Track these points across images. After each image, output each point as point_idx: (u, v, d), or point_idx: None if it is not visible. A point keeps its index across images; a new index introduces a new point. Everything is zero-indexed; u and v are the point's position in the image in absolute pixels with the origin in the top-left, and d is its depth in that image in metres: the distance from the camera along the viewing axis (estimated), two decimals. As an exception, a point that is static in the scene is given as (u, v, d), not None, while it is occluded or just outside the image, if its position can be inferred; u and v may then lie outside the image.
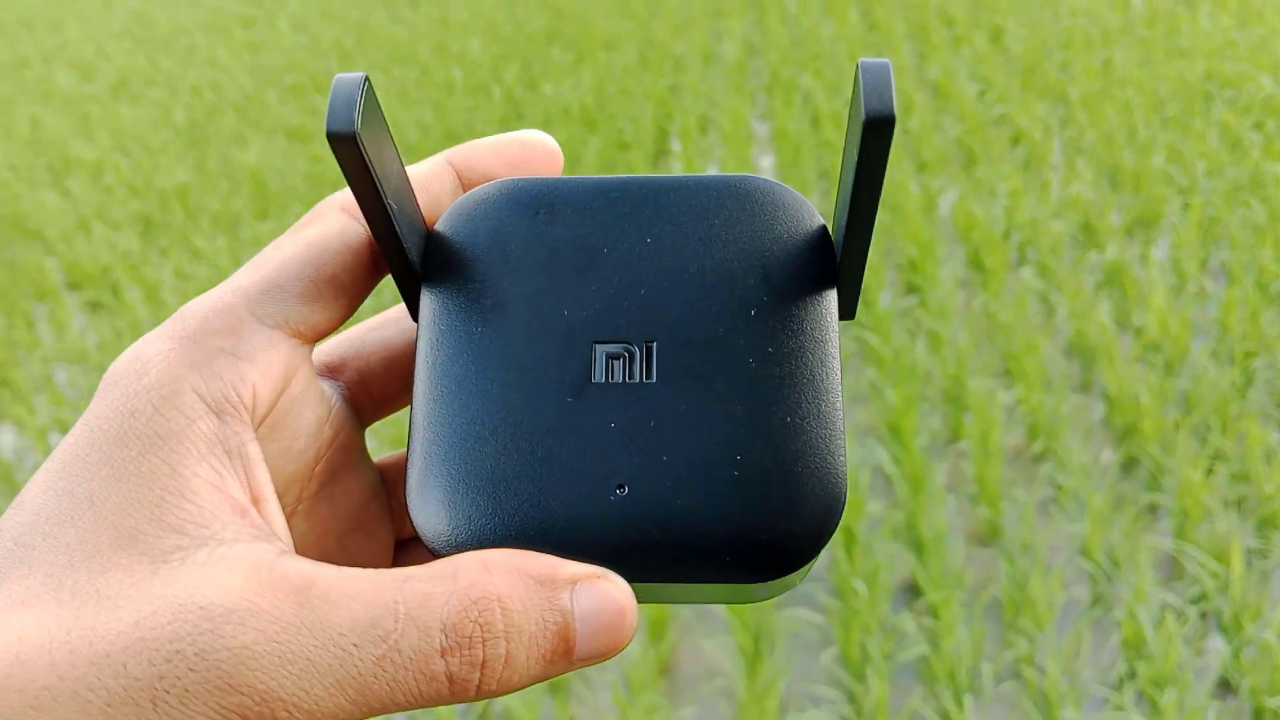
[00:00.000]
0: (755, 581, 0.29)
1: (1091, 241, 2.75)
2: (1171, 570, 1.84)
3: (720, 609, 1.80)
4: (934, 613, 1.75)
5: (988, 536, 1.94)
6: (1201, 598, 1.75)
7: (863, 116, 0.27)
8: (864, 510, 1.92)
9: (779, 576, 0.29)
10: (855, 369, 2.39)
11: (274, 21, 6.02)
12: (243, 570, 0.26)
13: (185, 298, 2.96)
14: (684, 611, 1.86)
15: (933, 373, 2.31)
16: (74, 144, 4.47)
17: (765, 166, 3.53)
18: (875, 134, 0.27)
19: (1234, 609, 1.69)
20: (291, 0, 6.46)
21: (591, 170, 3.38)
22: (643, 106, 3.96)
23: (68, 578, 0.26)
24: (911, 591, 1.85)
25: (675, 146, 3.76)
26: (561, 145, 3.03)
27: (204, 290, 0.33)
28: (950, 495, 2.02)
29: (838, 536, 1.88)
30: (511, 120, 4.03)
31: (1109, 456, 2.08)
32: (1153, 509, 1.97)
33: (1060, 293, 2.52)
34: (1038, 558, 1.81)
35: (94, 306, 3.24)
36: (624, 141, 3.72)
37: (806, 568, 0.29)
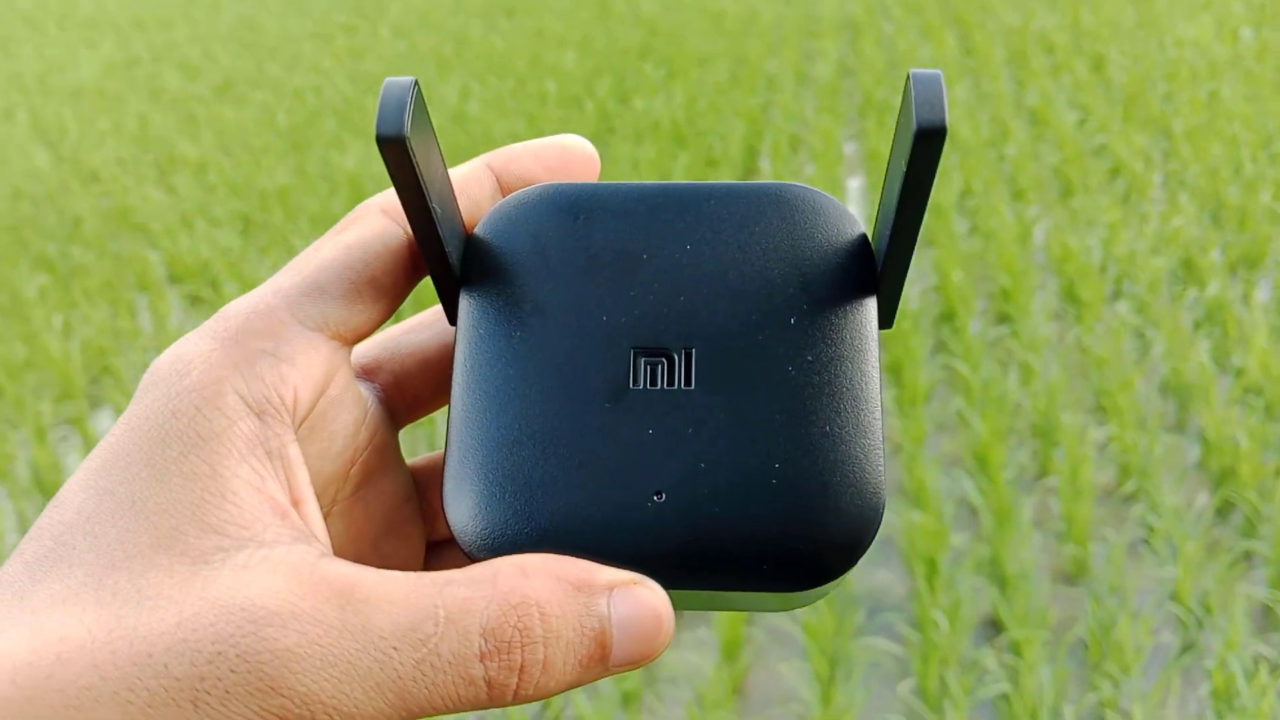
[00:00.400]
0: (791, 591, 0.29)
1: (1192, 278, 2.69)
2: (1266, 621, 1.78)
3: (798, 632, 1.79)
4: (1016, 650, 1.71)
5: (1074, 575, 1.90)
6: (1298, 651, 1.70)
7: (914, 127, 0.27)
8: (947, 541, 1.90)
9: (815, 586, 0.29)
10: (943, 397, 2.37)
11: (376, 29, 6.16)
12: (284, 572, 0.26)
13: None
14: (759, 633, 1.85)
15: (1023, 405, 2.28)
16: (180, 143, 4.62)
17: (854, 187, 3.51)
18: (926, 145, 0.27)
19: (1333, 665, 1.63)
20: (393, 9, 6.60)
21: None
22: (733, 124, 3.96)
23: (109, 578, 0.26)
24: (993, 627, 1.82)
25: (764, 165, 3.76)
26: (651, 161, 3.05)
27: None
28: (1037, 531, 1.98)
29: (919, 567, 1.86)
30: (603, 133, 4.07)
31: (1203, 500, 2.02)
32: (1248, 556, 1.91)
33: (1157, 329, 2.46)
34: (1126, 600, 1.77)
35: (193, 300, 3.34)
36: (713, 158, 3.73)
37: (842, 577, 0.29)
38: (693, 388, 0.30)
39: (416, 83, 0.29)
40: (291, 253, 3.49)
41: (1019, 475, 2.12)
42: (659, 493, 0.29)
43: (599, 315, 0.31)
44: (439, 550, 0.36)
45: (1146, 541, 1.94)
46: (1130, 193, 3.16)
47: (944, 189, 3.16)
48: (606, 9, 5.89)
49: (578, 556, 0.28)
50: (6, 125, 5.22)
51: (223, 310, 0.30)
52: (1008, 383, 2.30)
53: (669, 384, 0.31)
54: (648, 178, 3.53)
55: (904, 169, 0.28)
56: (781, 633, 1.84)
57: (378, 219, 0.32)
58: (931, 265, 2.84)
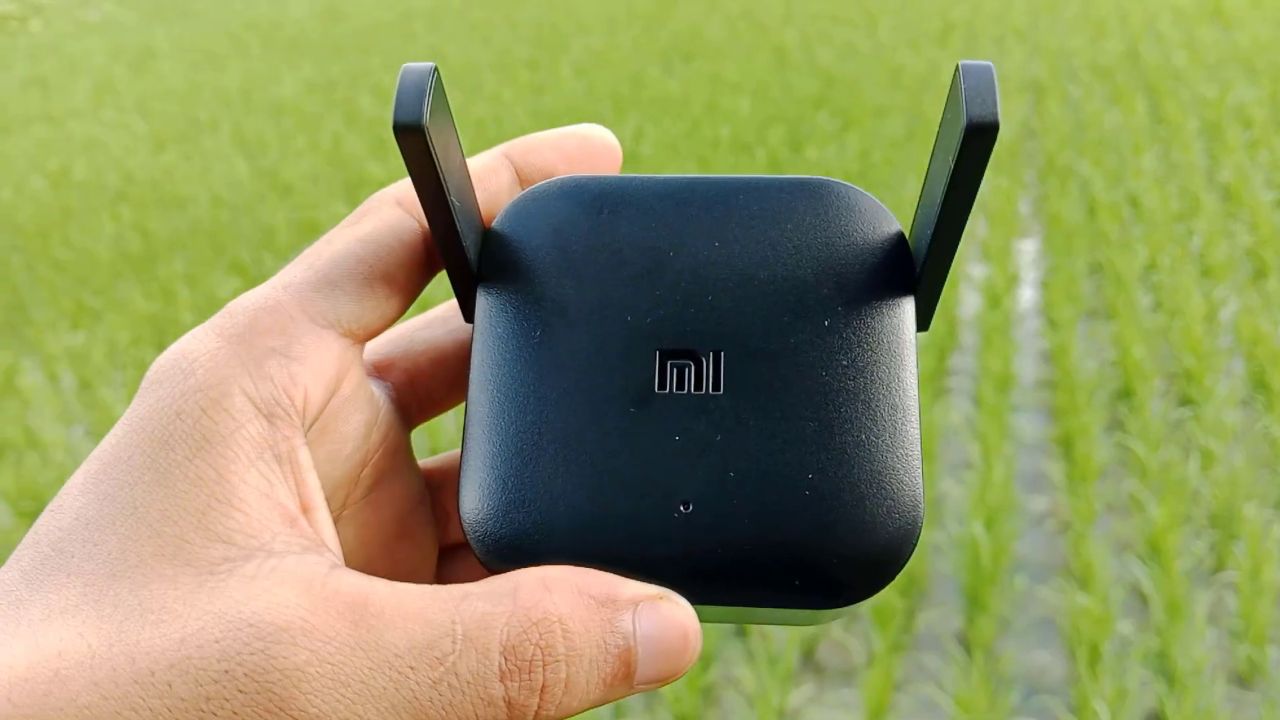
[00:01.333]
0: (823, 608, 0.28)
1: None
2: None
3: (948, 704, 1.74)
4: (1182, 750, 1.63)
5: (1248, 678, 1.80)
6: None
7: (963, 121, 0.25)
8: (1113, 628, 1.82)
9: (849, 604, 0.28)
10: (1116, 476, 2.28)
11: (557, 66, 6.35)
12: (294, 585, 0.25)
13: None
14: (906, 700, 1.81)
15: (1202, 493, 2.17)
16: (368, 163, 4.85)
17: (1028, 249, 3.42)
18: (976, 141, 0.25)
19: None
20: (575, 47, 6.80)
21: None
22: (906, 178, 3.93)
23: (109, 589, 0.24)
24: (1158, 722, 1.74)
25: (937, 223, 3.71)
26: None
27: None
28: (1211, 627, 1.88)
29: (1081, 651, 1.79)
30: (773, 180, 4.08)
31: (1401, 613, 1.89)
32: None
33: (1356, 425, 2.32)
34: (1308, 711, 1.66)
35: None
36: (885, 213, 3.70)
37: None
38: (721, 393, 0.29)
39: (436, 69, 0.27)
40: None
41: (1194, 566, 2.02)
42: (686, 503, 0.28)
43: (623, 315, 0.30)
44: (452, 555, 0.35)
45: (1334, 651, 1.82)
46: (1332, 278, 2.99)
47: (1128, 259, 3.06)
48: (783, 58, 5.93)
49: (601, 569, 0.27)
50: (212, 137, 5.58)
51: (229, 306, 0.29)
52: (1187, 468, 2.20)
53: (696, 388, 0.29)
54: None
55: (950, 166, 0.26)
56: (931, 705, 1.80)
57: (392, 211, 0.30)
58: (1111, 339, 2.75)
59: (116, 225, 4.37)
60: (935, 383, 2.63)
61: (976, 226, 3.61)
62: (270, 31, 8.63)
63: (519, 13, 8.17)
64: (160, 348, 3.29)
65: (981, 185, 0.23)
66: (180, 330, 3.35)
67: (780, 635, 1.91)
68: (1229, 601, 1.95)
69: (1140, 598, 1.97)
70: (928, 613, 1.97)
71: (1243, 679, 1.81)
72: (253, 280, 3.70)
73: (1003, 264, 3.18)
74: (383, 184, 4.61)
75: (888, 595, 1.88)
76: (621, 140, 4.77)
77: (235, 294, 3.61)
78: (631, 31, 7.07)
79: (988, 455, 2.26)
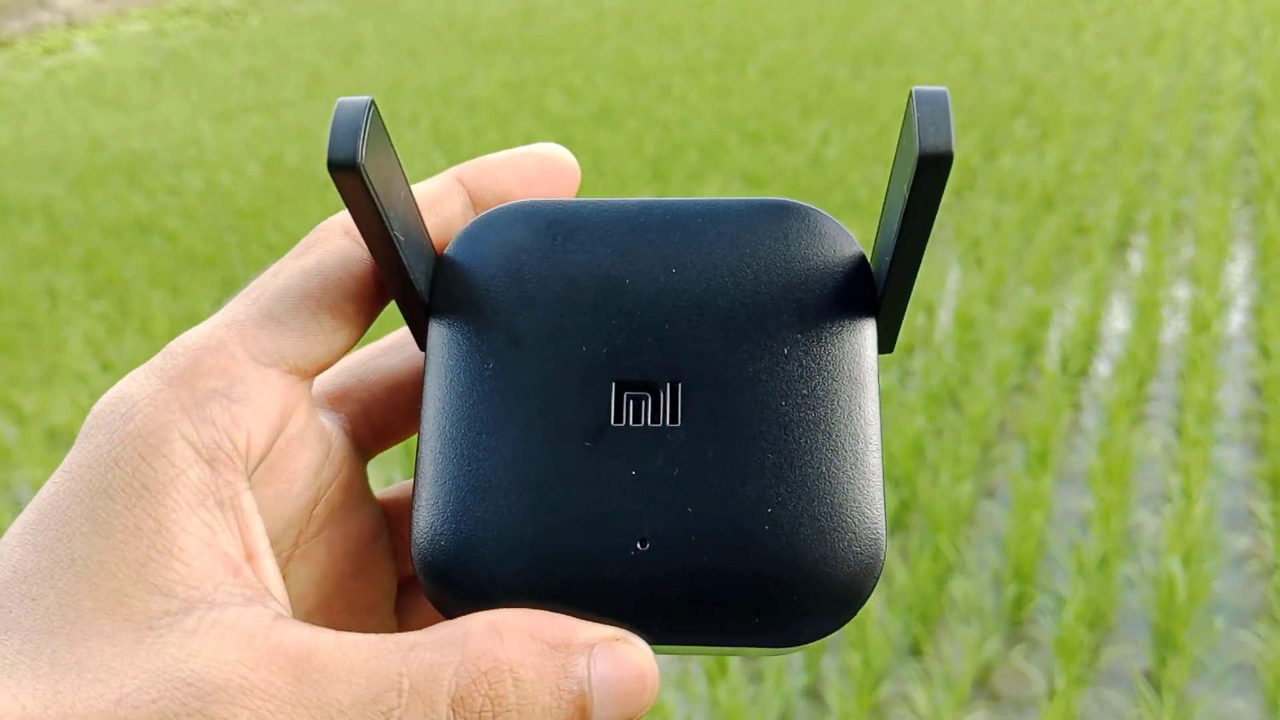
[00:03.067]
0: (784, 646, 0.27)
1: None
2: None
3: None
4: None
5: None
6: None
7: (916, 151, 0.24)
8: None
9: (809, 641, 0.27)
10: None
11: (744, 69, 6.36)
12: (235, 640, 0.24)
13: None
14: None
15: None
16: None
17: (1237, 273, 3.23)
18: (930, 171, 0.24)
19: None
20: (763, 50, 6.79)
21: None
22: (1109, 192, 3.76)
23: (46, 645, 0.24)
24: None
25: (1139, 240, 3.54)
26: (1013, 224, 2.96)
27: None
28: None
29: (1285, 702, 1.68)
30: (961, 188, 3.98)
31: None
32: None
33: None
34: None
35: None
36: (1083, 226, 3.56)
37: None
38: (679, 425, 0.28)
39: (373, 102, 0.27)
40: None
41: None
42: (643, 540, 0.27)
43: (578, 346, 0.29)
44: (413, 588, 0.34)
45: None
46: None
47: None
48: (980, 63, 5.76)
49: (556, 610, 0.27)
50: (412, 130, 5.83)
51: (170, 346, 0.28)
52: None
53: (653, 421, 0.28)
54: (995, 244, 3.42)
55: (906, 195, 0.26)
56: (1114, 740, 1.73)
57: (339, 240, 0.30)
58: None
59: (323, 210, 4.62)
60: (1133, 408, 2.51)
61: (1183, 245, 3.42)
62: (468, 29, 8.95)
63: (709, 16, 8.21)
64: (359, 330, 3.47)
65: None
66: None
67: (956, 657, 1.86)
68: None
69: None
70: (1115, 648, 1.89)
71: None
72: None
73: (1211, 286, 3.02)
74: (570, 180, 4.71)
75: (1074, 627, 1.82)
76: (806, 144, 4.76)
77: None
78: (821, 35, 7.00)
79: (1188, 488, 2.15)
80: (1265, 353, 2.68)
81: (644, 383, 0.29)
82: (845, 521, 0.27)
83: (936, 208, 0.26)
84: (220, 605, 0.25)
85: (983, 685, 1.86)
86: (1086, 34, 6.17)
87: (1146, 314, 2.90)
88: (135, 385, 0.27)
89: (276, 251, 4.22)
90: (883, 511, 0.28)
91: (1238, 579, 2.03)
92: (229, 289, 3.99)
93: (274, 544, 0.29)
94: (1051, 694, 1.77)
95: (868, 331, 0.29)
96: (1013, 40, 6.20)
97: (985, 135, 4.55)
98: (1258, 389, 2.59)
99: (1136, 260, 3.37)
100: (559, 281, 0.30)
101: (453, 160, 5.14)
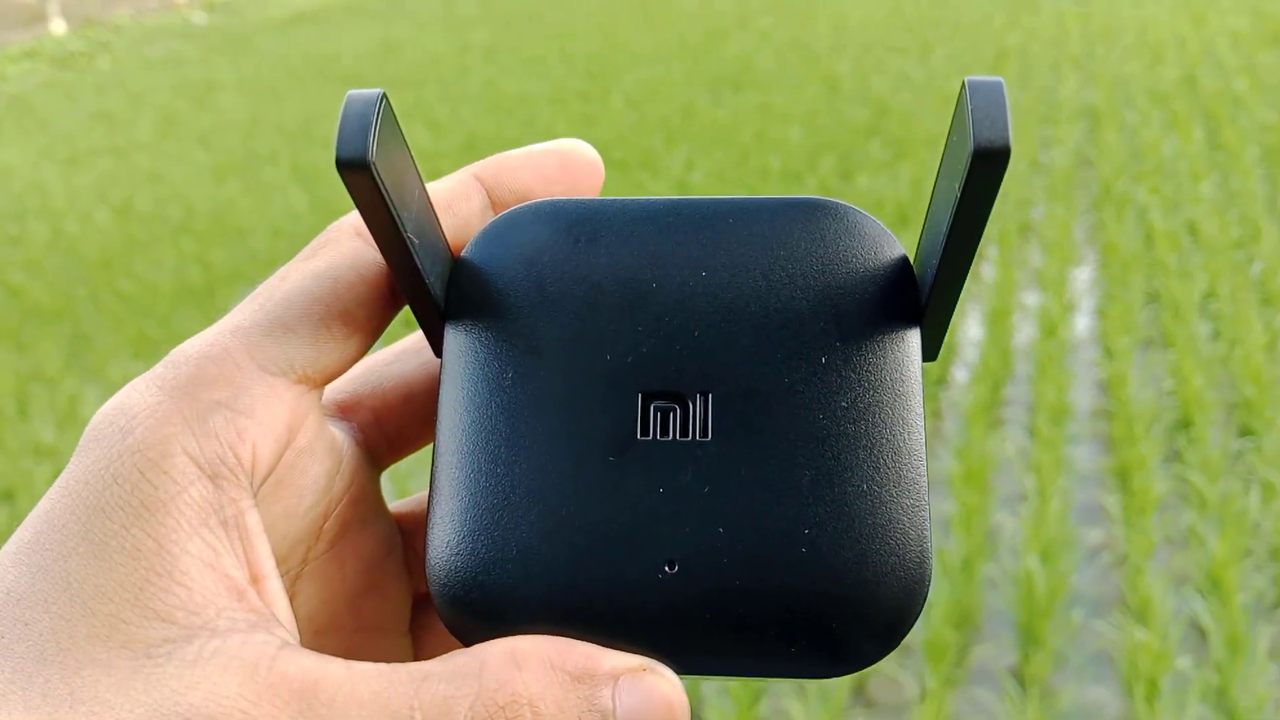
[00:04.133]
0: (821, 676, 0.26)
1: None
2: None
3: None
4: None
5: (1317, 718, 1.75)
6: None
7: (970, 146, 0.23)
8: (1171, 664, 1.78)
9: (849, 671, 0.26)
10: (1175, 508, 2.23)
11: (608, 98, 6.41)
12: (237, 671, 0.23)
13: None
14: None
15: (1263, 526, 2.12)
16: (422, 194, 4.92)
17: (1084, 278, 3.38)
18: (985, 167, 0.23)
19: None
20: (626, 79, 6.86)
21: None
22: (960, 208, 3.90)
23: (39, 675, 0.22)
24: (1220, 763, 1.70)
25: (990, 250, 3.68)
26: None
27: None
28: (1273, 663, 1.83)
29: (1139, 687, 1.75)
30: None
31: None
32: None
33: None
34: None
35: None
36: (937, 241, 3.68)
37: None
38: (709, 439, 0.27)
39: (384, 95, 0.25)
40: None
41: (1256, 601, 1.97)
42: (671, 562, 0.26)
43: (602, 354, 0.28)
44: (428, 607, 0.32)
45: (1405, 691, 1.76)
46: (1399, 307, 2.92)
47: (1186, 287, 3.01)
48: (835, 87, 5.93)
49: (579, 636, 0.25)
50: (272, 168, 5.70)
51: (173, 353, 0.26)
52: (1248, 500, 2.15)
53: (682, 434, 0.27)
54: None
55: (958, 194, 0.24)
56: (984, 738, 1.77)
57: (351, 243, 0.28)
58: (1168, 368, 2.70)
59: (178, 256, 4.48)
60: (989, 413, 2.60)
61: (1030, 254, 3.57)
62: (328, 65, 8.81)
63: (573, 46, 8.26)
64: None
65: (993, 210, 0.22)
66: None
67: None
68: (1294, 638, 1.90)
69: (1199, 633, 1.92)
70: (981, 647, 1.95)
71: (1309, 719, 1.76)
72: (309, 310, 3.76)
73: (1058, 292, 3.15)
74: (437, 214, 4.67)
75: (941, 629, 1.86)
76: (671, 170, 4.82)
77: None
78: (683, 63, 7.12)
79: (1043, 488, 2.23)
80: (1109, 353, 2.81)
81: (672, 393, 0.27)
82: (888, 542, 0.26)
83: (990, 207, 0.24)
84: (223, 633, 0.23)
85: (859, 694, 1.88)
86: (935, 55, 6.42)
87: (999, 321, 3.01)
88: (135, 396, 0.25)
89: (130, 302, 4.06)
90: (929, 531, 0.26)
91: (1093, 572, 2.11)
92: (80, 344, 3.82)
93: (281, 562, 0.28)
94: (923, 696, 1.80)
95: (911, 340, 0.27)
96: (866, 63, 6.41)
97: (842, 157, 4.67)
98: (1104, 388, 2.71)
99: (988, 270, 3.50)
100: (582, 285, 0.28)
101: (314, 199, 5.04)
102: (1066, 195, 3.97)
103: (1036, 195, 4.06)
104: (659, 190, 4.43)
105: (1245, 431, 2.47)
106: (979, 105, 0.23)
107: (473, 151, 5.61)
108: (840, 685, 1.83)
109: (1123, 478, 2.30)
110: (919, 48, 6.71)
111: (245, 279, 4.13)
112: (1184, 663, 1.82)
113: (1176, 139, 4.42)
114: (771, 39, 7.55)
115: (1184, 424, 2.48)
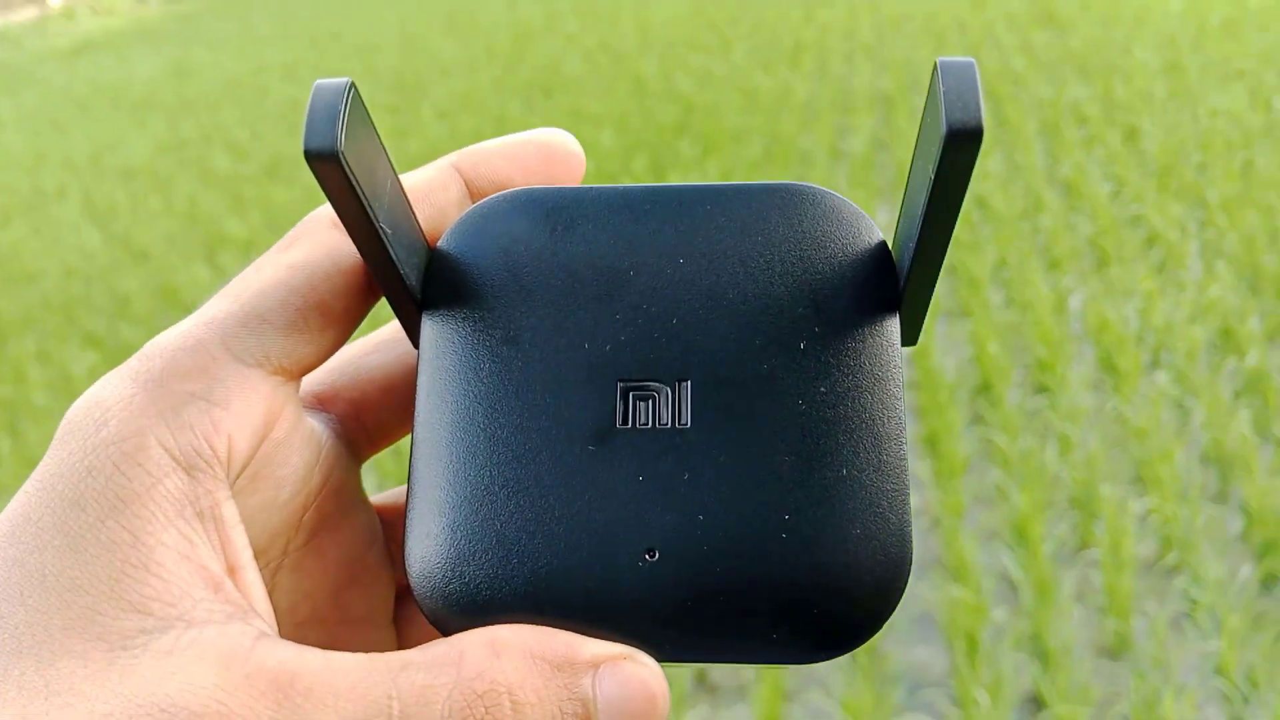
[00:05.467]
0: (804, 661, 0.26)
1: (1231, 347, 2.67)
2: (1318, 698, 1.75)
3: (835, 709, 1.77)
4: (1059, 727, 1.69)
5: (1117, 651, 1.87)
6: (1351, 730, 1.66)
7: (943, 128, 0.23)
8: (988, 616, 1.88)
9: (831, 656, 0.26)
10: (980, 469, 2.35)
11: (418, 111, 6.32)
12: (213, 661, 0.23)
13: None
14: (797, 710, 1.84)
15: (1062, 477, 2.26)
16: (228, 221, 4.74)
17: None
18: (957, 149, 0.23)
19: (1388, 745, 1.59)
20: (436, 91, 6.78)
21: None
22: (768, 198, 4.01)
23: (14, 666, 0.22)
24: (1036, 704, 1.79)
25: (799, 238, 3.80)
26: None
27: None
28: (1078, 605, 1.96)
29: (959, 643, 1.84)
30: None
31: (1247, 572, 1.99)
32: (1297, 631, 1.88)
33: (1197, 399, 2.45)
34: (1170, 675, 1.74)
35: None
36: (749, 232, 3.77)
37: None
38: (688, 426, 0.27)
39: (352, 84, 0.25)
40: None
41: (1059, 548, 2.10)
42: (651, 550, 0.26)
43: (580, 343, 0.28)
44: (411, 599, 0.31)
45: (1189, 615, 1.91)
46: (1166, 262, 3.16)
47: (979, 259, 3.17)
48: (643, 88, 6.01)
49: (558, 625, 0.25)
50: (60, 206, 5.38)
51: (147, 346, 0.26)
52: (1046, 454, 2.29)
53: (661, 422, 0.27)
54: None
55: (931, 175, 0.24)
56: (819, 710, 1.82)
57: (327, 234, 0.28)
58: (967, 337, 2.85)
59: (-39, 306, 4.18)
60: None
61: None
62: (118, 93, 8.39)
63: (377, 60, 8.11)
64: (13, 432, 3.15)
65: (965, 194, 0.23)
66: (33, 414, 3.21)
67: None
68: (1094, 579, 2.03)
69: (1011, 584, 2.03)
70: (812, 621, 2.00)
71: (1111, 652, 1.88)
72: (110, 354, 3.58)
73: (863, 273, 3.27)
74: (245, 242, 4.53)
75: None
76: (485, 180, 4.81)
77: (91, 371, 3.49)
78: (492, 71, 7.08)
79: (859, 460, 2.31)
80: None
81: (650, 382, 0.27)
82: (869, 526, 0.26)
83: (965, 188, 0.24)
84: (199, 623, 0.23)
85: (701, 682, 1.91)
86: (735, 52, 6.58)
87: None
88: (109, 389, 0.25)
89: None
90: (909, 517, 0.26)
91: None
92: None
93: (261, 554, 0.27)
94: (760, 676, 1.84)
95: (890, 324, 0.27)
96: (670, 63, 6.51)
97: (653, 156, 4.74)
98: (909, 360, 2.83)
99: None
100: (558, 274, 0.28)
101: (107, 233, 4.79)
102: (866, 180, 4.13)
103: (838, 182, 4.21)
104: (474, 201, 4.39)
105: (1040, 389, 2.63)
106: (950, 86, 0.23)
107: (276, 175, 5.44)
108: (681, 672, 1.85)
109: (932, 444, 2.41)
110: (720, 45, 6.87)
111: (37, 324, 3.89)
112: (1000, 614, 1.92)
113: (963, 119, 4.66)
114: (579, 42, 7.59)
115: (985, 387, 2.62)
